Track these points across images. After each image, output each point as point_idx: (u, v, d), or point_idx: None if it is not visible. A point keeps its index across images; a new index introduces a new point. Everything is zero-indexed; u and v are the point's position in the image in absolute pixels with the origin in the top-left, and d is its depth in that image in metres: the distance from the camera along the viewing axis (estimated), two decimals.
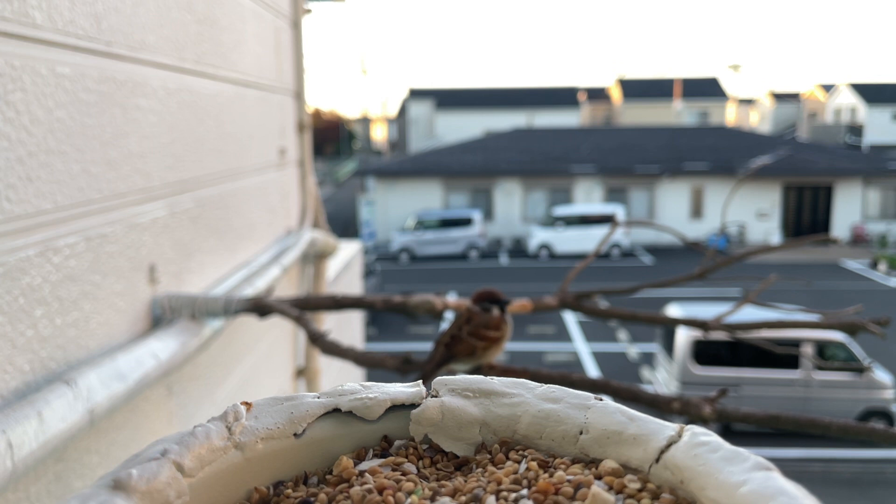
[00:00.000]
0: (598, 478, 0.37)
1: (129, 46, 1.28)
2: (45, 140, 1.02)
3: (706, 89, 33.83)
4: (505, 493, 0.35)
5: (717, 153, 20.39)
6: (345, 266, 3.38)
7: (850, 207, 19.67)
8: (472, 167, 20.31)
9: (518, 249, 19.29)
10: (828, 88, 32.70)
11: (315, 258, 2.66)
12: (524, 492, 0.35)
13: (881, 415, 7.83)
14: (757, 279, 1.87)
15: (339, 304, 1.66)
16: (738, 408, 1.42)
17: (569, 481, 0.36)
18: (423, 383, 0.44)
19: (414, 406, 0.43)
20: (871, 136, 28.15)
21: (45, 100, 1.02)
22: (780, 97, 38.64)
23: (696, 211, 19.87)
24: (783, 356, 7.70)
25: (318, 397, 0.43)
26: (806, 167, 19.35)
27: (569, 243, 17.67)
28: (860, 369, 7.58)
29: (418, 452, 0.42)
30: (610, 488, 0.36)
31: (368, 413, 0.42)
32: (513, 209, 20.21)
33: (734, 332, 1.68)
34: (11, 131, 0.94)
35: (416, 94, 32.57)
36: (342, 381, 0.88)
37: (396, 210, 20.05)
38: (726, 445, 0.35)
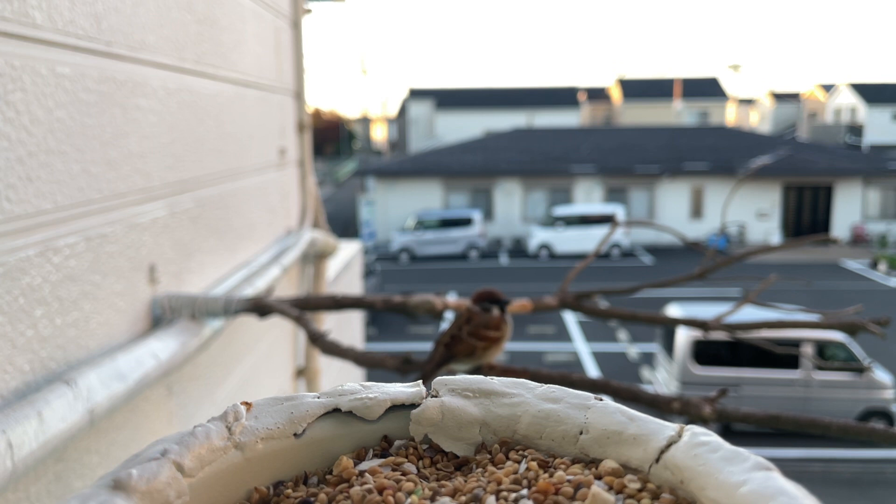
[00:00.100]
0: (598, 478, 0.37)
1: (129, 46, 1.28)
2: (45, 140, 1.02)
3: (706, 89, 33.83)
4: (505, 493, 0.35)
5: (717, 153, 20.39)
6: (345, 266, 3.38)
7: (850, 207, 19.67)
8: (472, 167, 20.31)
9: (518, 249, 19.28)
10: (828, 88, 32.70)
11: (315, 258, 2.66)
12: (524, 492, 0.35)
13: (881, 415, 7.83)
14: (757, 279, 1.87)
15: (339, 304, 1.66)
16: (738, 408, 1.42)
17: (569, 481, 0.36)
18: (423, 383, 0.44)
19: (414, 406, 0.43)
20: (871, 136, 28.15)
21: (45, 100, 1.02)
22: (780, 97, 38.64)
23: (696, 211, 19.87)
24: (783, 356, 7.70)
25: (318, 397, 0.43)
26: (806, 167, 19.35)
27: (569, 243, 17.66)
28: (860, 369, 7.58)
29: (418, 452, 0.41)
30: (610, 488, 0.36)
31: (368, 413, 0.42)
32: (513, 209, 20.20)
33: (734, 332, 1.68)
34: (11, 131, 0.94)
35: (416, 94, 32.56)
36: (342, 381, 0.88)
37: (396, 210, 20.05)
38: (726, 445, 0.35)
